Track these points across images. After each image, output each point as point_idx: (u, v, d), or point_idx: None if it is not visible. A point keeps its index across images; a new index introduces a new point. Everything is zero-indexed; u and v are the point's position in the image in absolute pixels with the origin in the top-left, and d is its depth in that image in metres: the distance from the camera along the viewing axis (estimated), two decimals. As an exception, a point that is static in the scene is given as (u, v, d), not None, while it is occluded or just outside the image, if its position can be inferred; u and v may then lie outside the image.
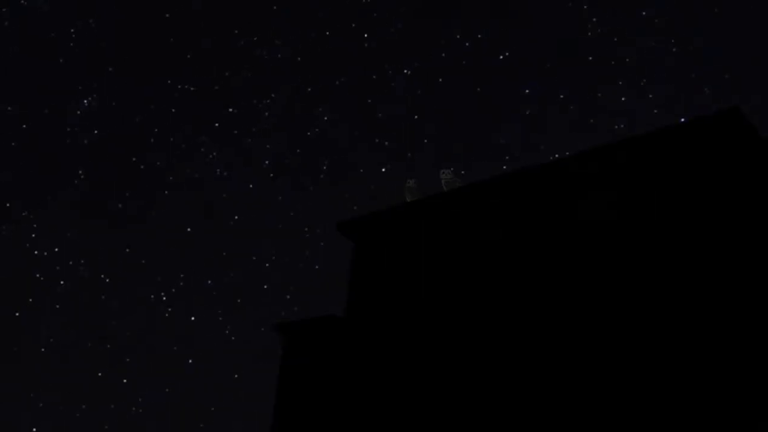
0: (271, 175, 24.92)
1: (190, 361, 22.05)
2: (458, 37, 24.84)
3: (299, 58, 25.91)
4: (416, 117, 25.05)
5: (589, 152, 9.55)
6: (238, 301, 23.42)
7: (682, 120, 8.93)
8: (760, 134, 8.60)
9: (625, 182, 9.00)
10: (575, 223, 9.21)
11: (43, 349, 22.12)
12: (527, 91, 23.62)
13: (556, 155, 10.21)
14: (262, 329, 23.70)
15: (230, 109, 25.31)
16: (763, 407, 7.56)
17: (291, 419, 9.93)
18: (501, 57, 23.99)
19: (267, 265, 23.83)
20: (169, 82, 24.92)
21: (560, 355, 8.72)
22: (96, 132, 24.32)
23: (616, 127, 22.87)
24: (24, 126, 24.29)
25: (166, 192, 24.40)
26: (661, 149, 8.95)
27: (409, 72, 25.46)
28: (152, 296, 22.76)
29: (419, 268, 10.03)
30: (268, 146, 25.22)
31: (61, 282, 22.79)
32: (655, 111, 22.20)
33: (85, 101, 24.33)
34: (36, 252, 22.90)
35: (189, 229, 23.68)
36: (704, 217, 8.36)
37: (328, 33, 25.62)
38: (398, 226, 10.34)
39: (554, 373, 8.71)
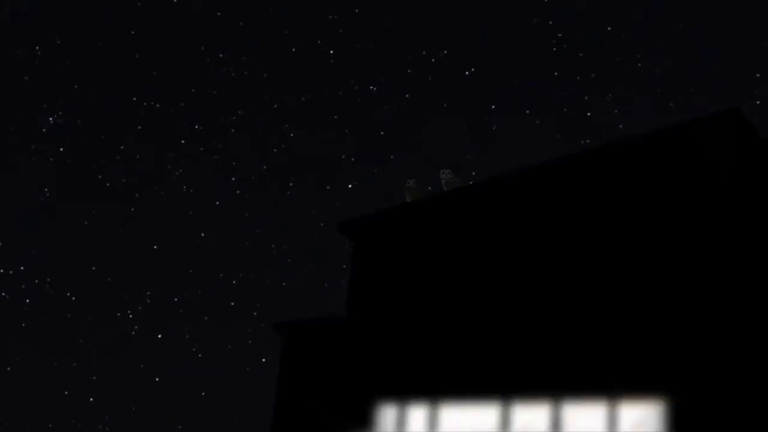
0: (238, 191, 24.81)
1: (157, 378, 21.85)
2: (424, 53, 25.03)
3: (265, 75, 25.89)
4: (382, 133, 25.18)
5: (588, 153, 9.61)
6: (205, 318, 23.24)
7: (682, 120, 9.02)
8: (760, 134, 8.74)
9: (625, 182, 9.07)
10: (574, 224, 9.27)
11: (9, 368, 21.74)
12: (493, 106, 23.91)
13: (555, 156, 10.22)
14: (229, 347, 23.54)
15: (196, 126, 25.19)
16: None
17: (291, 420, 9.82)
18: (468, 72, 24.24)
19: (234, 282, 23.69)
20: (134, 99, 24.73)
21: (560, 355, 8.76)
22: (61, 149, 24.11)
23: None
24: (-11, 143, 23.99)
25: (132, 209, 24.19)
26: (661, 150, 9.03)
27: (375, 88, 25.61)
28: (118, 314, 22.53)
29: (419, 268, 10.03)
30: (234, 163, 25.11)
31: (27, 300, 22.53)
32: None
33: (51, 119, 24.11)
34: (1, 270, 22.55)
35: (155, 247, 23.49)
36: (705, 218, 8.43)
37: (294, 50, 25.67)
38: (398, 226, 10.33)
39: (555, 373, 8.75)
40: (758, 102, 20.58)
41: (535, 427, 8.88)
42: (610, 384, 8.35)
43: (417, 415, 9.81)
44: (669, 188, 8.83)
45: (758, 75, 21.85)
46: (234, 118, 25.11)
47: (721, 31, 22.56)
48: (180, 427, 21.60)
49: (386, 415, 10.01)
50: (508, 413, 9.16)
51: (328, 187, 24.64)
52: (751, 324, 7.96)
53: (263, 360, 22.46)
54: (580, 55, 23.58)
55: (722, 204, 8.42)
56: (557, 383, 8.72)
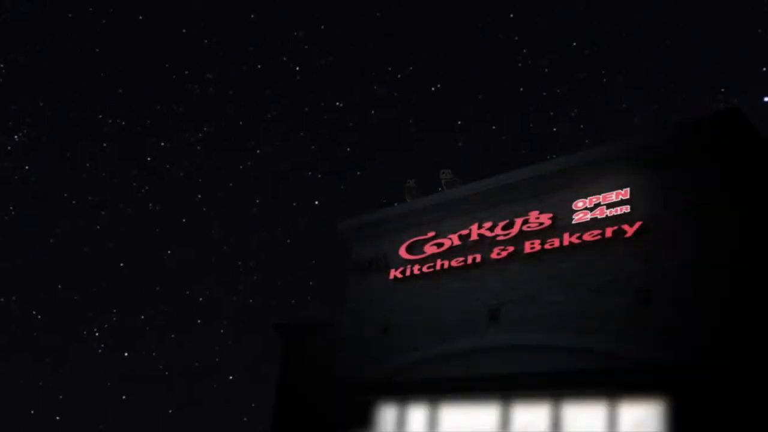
0: (204, 209, 24.68)
1: (124, 397, 21.65)
2: (390, 69, 25.25)
3: (231, 92, 25.86)
4: (348, 149, 25.25)
5: (589, 152, 9.64)
6: (172, 336, 23.10)
7: (682, 120, 9.04)
8: (760, 134, 8.81)
9: (626, 182, 9.11)
10: (574, 223, 9.31)
11: (-27, 389, 21.40)
12: (459, 122, 24.07)
13: (554, 155, 10.27)
14: (196, 364, 23.38)
15: (162, 144, 25.04)
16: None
17: (291, 419, 9.67)
18: (435, 88, 24.43)
19: (200, 299, 23.56)
20: (100, 116, 24.61)
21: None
22: (27, 167, 23.94)
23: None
24: (-49, 164, 23.80)
25: (98, 227, 24.04)
26: (661, 149, 9.08)
27: (341, 104, 25.71)
28: (85, 332, 22.42)
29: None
30: (200, 180, 25.02)
31: (-7, 319, 22.27)
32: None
33: (16, 137, 23.97)
34: (-35, 290, 22.28)
35: (121, 264, 23.34)
36: (704, 216, 8.49)
37: (259, 66, 25.67)
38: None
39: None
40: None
41: (536, 427, 8.85)
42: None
43: (417, 415, 9.76)
44: (669, 187, 8.86)
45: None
46: (200, 135, 25.06)
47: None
48: (147, 445, 21.38)
49: (386, 415, 9.92)
50: (508, 413, 9.13)
51: (294, 204, 24.61)
52: (751, 321, 7.98)
53: (230, 378, 22.27)
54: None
55: (722, 203, 8.46)
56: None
